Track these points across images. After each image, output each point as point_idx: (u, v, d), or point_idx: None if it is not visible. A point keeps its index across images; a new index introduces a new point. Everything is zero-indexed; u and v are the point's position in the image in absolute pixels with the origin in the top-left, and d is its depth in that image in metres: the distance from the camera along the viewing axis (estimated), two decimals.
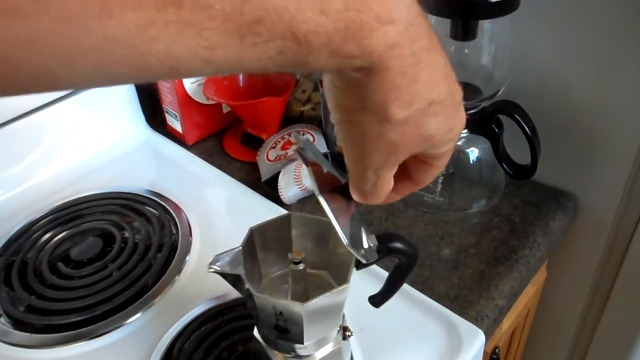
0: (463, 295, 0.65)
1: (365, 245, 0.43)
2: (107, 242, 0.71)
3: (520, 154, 0.73)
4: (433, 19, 0.67)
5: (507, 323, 0.79)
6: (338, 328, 0.49)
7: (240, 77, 0.91)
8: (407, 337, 0.59)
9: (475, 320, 0.62)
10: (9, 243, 0.72)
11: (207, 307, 0.61)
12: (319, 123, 0.88)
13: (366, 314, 0.53)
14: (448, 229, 0.74)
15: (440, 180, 0.75)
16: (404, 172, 0.39)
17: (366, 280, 0.54)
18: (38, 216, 0.75)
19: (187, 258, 0.69)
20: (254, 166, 0.84)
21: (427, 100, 0.31)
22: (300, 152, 0.40)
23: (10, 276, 0.67)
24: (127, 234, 0.72)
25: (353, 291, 0.46)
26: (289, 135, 0.85)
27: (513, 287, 0.67)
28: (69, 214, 0.75)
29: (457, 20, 0.65)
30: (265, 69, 0.27)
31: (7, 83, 0.23)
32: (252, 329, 0.50)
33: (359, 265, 0.45)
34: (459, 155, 0.76)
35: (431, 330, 0.60)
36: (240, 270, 0.45)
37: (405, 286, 0.62)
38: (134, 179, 0.82)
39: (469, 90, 0.72)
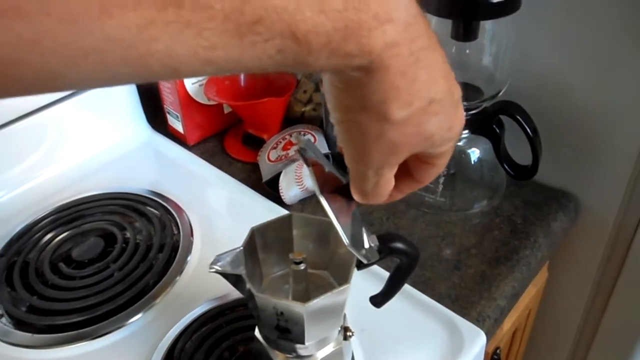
0: (464, 295, 0.65)
1: (367, 245, 0.43)
2: (108, 243, 0.71)
3: (521, 154, 0.73)
4: (434, 19, 0.67)
5: (508, 323, 0.78)
6: (339, 328, 0.49)
7: (242, 77, 0.91)
8: (408, 337, 0.59)
9: (477, 321, 0.62)
10: (10, 243, 0.72)
11: (208, 307, 0.61)
12: (320, 123, 0.88)
13: (367, 314, 0.53)
14: (449, 230, 0.74)
15: (441, 181, 0.75)
16: (405, 171, 0.39)
17: (367, 281, 0.54)
18: (39, 217, 0.75)
19: (189, 258, 0.69)
20: (255, 166, 0.84)
21: (427, 99, 0.31)
22: (301, 153, 0.40)
23: (11, 276, 0.67)
24: (128, 235, 0.72)
25: (354, 291, 0.46)
26: (290, 135, 0.85)
27: (514, 287, 0.67)
28: (71, 215, 0.75)
29: (458, 20, 0.65)
30: (264, 69, 0.27)
31: (9, 84, 0.23)
32: (253, 329, 0.50)
33: (360, 266, 0.44)
34: (460, 156, 0.76)
35: (432, 331, 0.60)
36: (242, 271, 0.45)
37: (407, 286, 0.62)
38: (135, 180, 0.82)
39: (470, 91, 0.72)
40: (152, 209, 0.76)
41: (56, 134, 0.82)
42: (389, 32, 0.28)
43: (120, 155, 0.87)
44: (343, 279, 0.45)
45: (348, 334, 0.50)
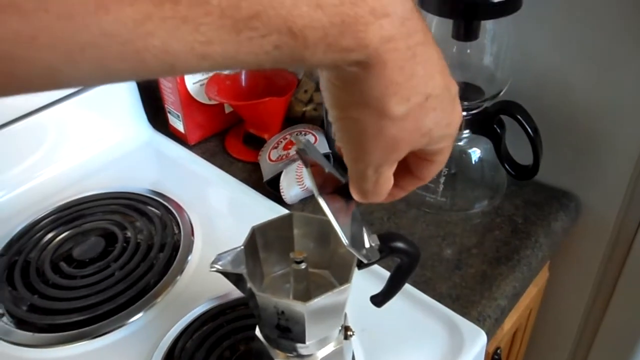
0: (465, 295, 0.65)
1: (367, 244, 0.43)
2: (109, 242, 0.71)
3: (522, 154, 0.73)
4: (435, 19, 0.67)
5: (509, 323, 0.78)
6: (340, 327, 0.49)
7: (243, 77, 0.91)
8: (408, 337, 0.59)
9: (477, 321, 0.62)
10: (11, 243, 0.72)
11: (209, 306, 0.62)
12: (321, 123, 0.88)
13: (368, 313, 0.53)
14: (450, 229, 0.74)
15: (442, 181, 0.75)
16: (406, 169, 0.39)
17: (368, 280, 0.54)
18: (40, 216, 0.76)
19: (189, 258, 0.69)
20: (256, 166, 0.84)
21: (424, 95, 0.31)
22: (300, 154, 0.40)
23: (12, 276, 0.67)
24: (129, 234, 0.72)
25: (355, 291, 0.46)
26: (291, 135, 0.85)
27: (515, 287, 0.67)
28: (71, 214, 0.75)
29: (459, 20, 0.65)
30: (261, 64, 0.27)
31: (7, 81, 0.23)
32: (254, 329, 0.50)
33: (361, 265, 0.45)
34: (461, 156, 0.76)
35: (433, 331, 0.60)
36: (242, 270, 0.45)
37: (407, 286, 0.62)
38: (136, 179, 0.82)
39: (471, 91, 0.72)
40: (153, 209, 0.76)
41: (57, 133, 0.83)
42: (386, 26, 0.28)
43: (121, 154, 0.87)
44: (344, 278, 0.45)
45: (349, 333, 0.50)
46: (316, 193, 0.39)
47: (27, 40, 0.22)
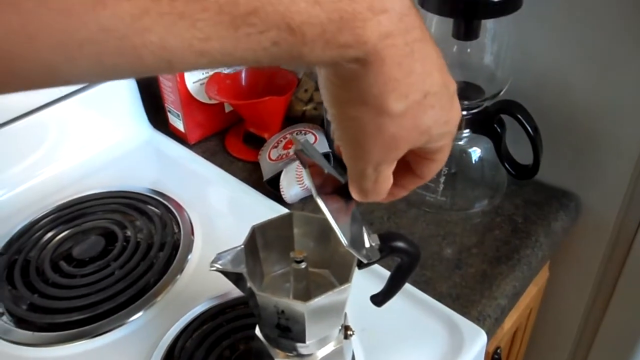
0: (465, 294, 0.65)
1: (367, 244, 0.43)
2: (109, 241, 0.71)
3: (522, 153, 0.73)
4: (435, 18, 0.67)
5: (509, 323, 0.78)
6: (340, 327, 0.49)
7: (243, 76, 0.91)
8: (408, 336, 0.59)
9: (477, 320, 0.61)
10: (11, 242, 0.72)
11: (209, 305, 0.62)
12: (321, 122, 0.88)
13: (368, 313, 0.53)
14: (450, 229, 0.74)
15: (442, 180, 0.75)
16: (406, 167, 0.39)
17: (368, 280, 0.54)
18: (40, 215, 0.75)
19: (189, 257, 0.69)
20: (256, 165, 0.84)
21: (423, 92, 0.31)
22: (299, 154, 0.40)
23: (12, 275, 0.67)
24: (129, 233, 0.72)
25: (355, 290, 0.46)
26: (291, 134, 0.85)
27: (515, 286, 0.67)
28: (71, 213, 0.75)
29: (459, 19, 0.65)
30: (259, 61, 0.27)
31: (6, 79, 0.23)
32: (254, 328, 0.50)
33: (361, 265, 0.44)
34: (461, 155, 0.76)
35: (433, 330, 0.60)
36: (242, 269, 0.45)
37: (407, 286, 0.62)
38: (136, 178, 0.82)
39: (471, 90, 0.72)
40: (153, 208, 0.76)
41: (57, 132, 0.83)
42: (384, 22, 0.28)
43: (121, 154, 0.87)
44: (344, 277, 0.45)
45: (349, 332, 0.50)
46: (315, 194, 0.39)
47: (25, 37, 0.22)
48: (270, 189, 0.79)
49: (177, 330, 0.59)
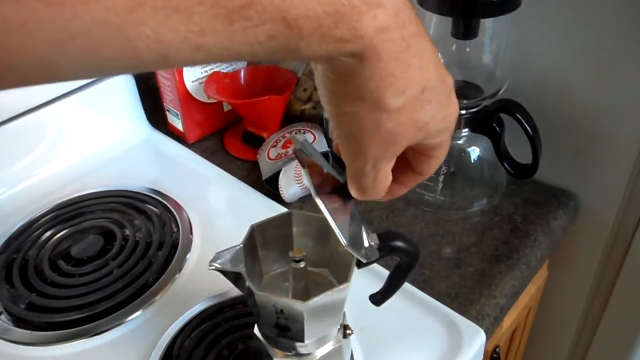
0: (464, 294, 0.65)
1: (366, 244, 0.43)
2: (107, 240, 0.71)
3: (521, 153, 0.73)
4: (435, 17, 0.67)
5: (507, 322, 0.79)
6: (339, 326, 0.49)
7: (241, 75, 0.91)
8: (407, 335, 0.59)
9: (476, 319, 0.62)
10: (9, 241, 0.72)
11: (208, 305, 0.61)
12: (320, 122, 0.88)
13: (367, 312, 0.53)
14: (449, 228, 0.74)
15: (441, 179, 0.75)
16: (406, 164, 0.38)
17: (367, 279, 0.54)
18: (39, 214, 0.75)
19: (188, 256, 0.69)
20: (255, 165, 0.84)
21: (420, 87, 0.31)
22: (297, 153, 0.40)
23: (11, 274, 0.67)
24: (127, 232, 0.72)
25: (354, 289, 0.46)
26: (290, 133, 0.85)
27: (514, 285, 0.67)
28: (70, 212, 0.75)
29: (458, 18, 0.65)
30: (256, 55, 0.27)
31: (1, 73, 0.23)
32: (253, 327, 0.50)
33: (360, 264, 0.44)
34: (460, 154, 0.76)
35: (432, 329, 0.60)
36: (241, 268, 0.45)
37: (406, 285, 0.62)
38: (135, 177, 0.82)
39: (470, 89, 0.72)
40: (151, 207, 0.76)
41: (56, 131, 0.82)
42: (380, 16, 0.28)
43: (119, 153, 0.87)
44: (343, 277, 0.45)
45: (348, 332, 0.50)
46: (313, 193, 0.39)
47: (17, 28, 0.22)
48: (269, 188, 0.79)
49: (175, 329, 0.59)
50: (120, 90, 0.88)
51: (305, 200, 0.78)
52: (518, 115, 0.69)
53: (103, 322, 0.61)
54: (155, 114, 0.93)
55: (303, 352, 0.48)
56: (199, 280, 0.66)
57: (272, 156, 0.82)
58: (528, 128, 0.69)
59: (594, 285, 0.87)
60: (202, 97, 0.88)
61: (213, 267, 0.45)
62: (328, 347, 0.49)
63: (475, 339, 0.59)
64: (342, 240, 0.39)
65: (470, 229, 0.74)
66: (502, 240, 0.72)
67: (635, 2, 0.63)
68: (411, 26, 0.30)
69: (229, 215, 0.78)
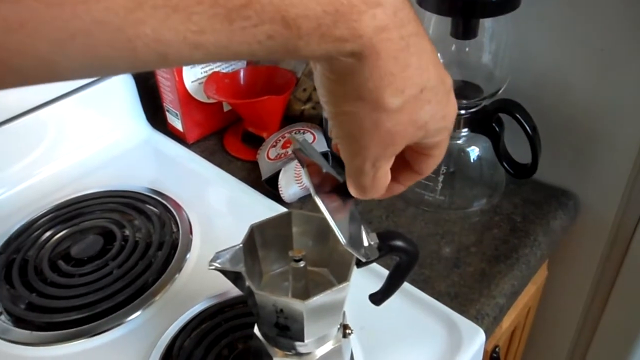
0: (463, 293, 0.65)
1: (366, 243, 0.43)
2: (107, 240, 0.71)
3: (520, 152, 0.73)
4: (434, 17, 0.67)
5: (507, 322, 0.79)
6: (338, 326, 0.49)
7: (241, 75, 0.91)
8: (407, 335, 0.59)
9: (476, 319, 0.62)
10: (9, 241, 0.72)
11: (208, 305, 0.61)
12: (320, 122, 0.88)
13: (367, 312, 0.53)
14: (448, 228, 0.74)
15: (440, 179, 0.75)
16: (404, 163, 0.39)
17: (367, 279, 0.54)
18: (39, 214, 0.75)
19: (188, 256, 0.69)
20: (255, 165, 0.84)
21: (419, 86, 0.31)
22: (297, 153, 0.40)
23: (11, 274, 0.67)
24: (127, 232, 0.72)
25: (354, 289, 0.46)
26: (290, 133, 0.85)
27: (513, 285, 0.67)
28: (70, 212, 0.75)
29: (458, 18, 0.65)
30: (255, 54, 0.27)
31: (3, 71, 0.23)
32: (253, 327, 0.50)
33: (360, 263, 0.44)
34: (459, 154, 0.76)
35: (431, 329, 0.60)
36: (241, 268, 0.45)
37: (406, 284, 0.62)
38: (135, 178, 0.82)
39: (470, 89, 0.72)
40: (151, 207, 0.76)
41: (56, 131, 0.82)
42: (379, 15, 0.28)
43: (119, 153, 0.87)
44: (343, 276, 0.45)
45: (347, 331, 0.50)
46: (313, 192, 0.39)
47: (16, 27, 0.22)
48: (269, 188, 0.79)
49: (175, 329, 0.59)
50: (120, 91, 0.88)
51: (304, 200, 0.78)
52: (517, 115, 0.69)
53: (103, 322, 0.61)
54: (155, 114, 0.93)
55: (303, 351, 0.48)
56: (199, 280, 0.66)
57: (271, 156, 0.82)
58: (527, 128, 0.69)
59: (594, 285, 0.87)
60: (201, 97, 0.88)
61: (213, 267, 0.45)
62: (328, 346, 0.49)
63: (475, 339, 0.59)
64: (342, 239, 0.39)
65: (469, 228, 0.74)
66: (502, 240, 0.72)
67: (635, 2, 0.63)
68: (410, 25, 0.30)
69: (228, 215, 0.78)
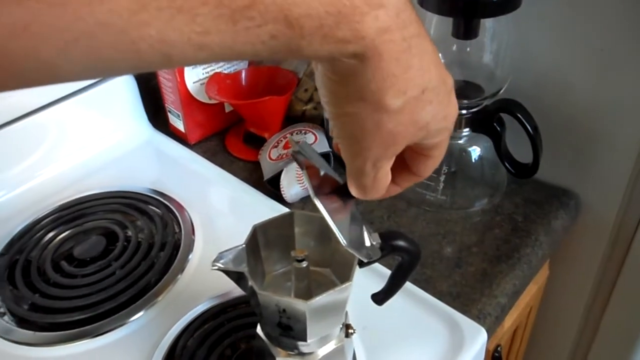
0: (465, 293, 0.65)
1: (368, 243, 0.43)
2: (110, 241, 0.71)
3: (522, 152, 0.73)
4: (435, 17, 0.67)
5: (509, 321, 0.79)
6: (341, 325, 0.49)
7: (243, 76, 0.91)
8: (409, 334, 0.59)
9: (478, 318, 0.62)
10: (12, 242, 0.72)
11: (210, 305, 0.62)
12: (321, 122, 0.88)
13: (369, 311, 0.53)
14: (450, 228, 0.74)
15: (442, 179, 0.76)
16: (403, 165, 0.39)
17: (369, 278, 0.54)
18: (41, 215, 0.76)
19: (190, 256, 0.69)
20: (257, 165, 0.85)
21: (421, 87, 0.31)
22: (295, 156, 0.40)
23: (14, 275, 0.67)
24: (130, 233, 0.72)
25: (356, 289, 0.46)
26: (291, 134, 0.85)
27: (515, 285, 0.67)
28: (72, 213, 0.75)
29: (459, 18, 0.66)
30: (258, 55, 0.27)
31: (4, 75, 0.23)
32: (255, 327, 0.50)
33: (362, 263, 0.45)
34: (460, 154, 0.76)
35: (433, 328, 0.60)
36: (244, 268, 0.45)
37: (408, 284, 0.62)
38: (137, 178, 0.82)
39: (471, 89, 0.72)
40: (153, 208, 0.76)
41: (57, 132, 0.83)
42: (382, 17, 0.28)
43: (121, 154, 0.87)
44: (345, 276, 0.45)
45: (350, 331, 0.50)
46: (312, 195, 0.39)
47: (19, 30, 0.22)
48: (271, 188, 0.79)
49: (178, 329, 0.60)
50: (122, 92, 0.88)
51: (306, 201, 0.78)
52: (519, 115, 0.69)
53: (106, 322, 0.61)
54: (156, 115, 0.93)
55: (305, 351, 0.48)
56: (202, 281, 0.66)
57: (273, 157, 0.82)
58: (529, 127, 0.69)
59: (595, 285, 0.87)
60: (203, 98, 0.88)
61: (216, 267, 0.45)
62: (330, 346, 0.49)
63: (477, 338, 0.59)
64: (342, 240, 0.39)
65: (471, 228, 0.74)
66: (503, 240, 0.72)
67: (635, 2, 0.63)
68: (412, 27, 0.30)
69: (230, 215, 0.78)
